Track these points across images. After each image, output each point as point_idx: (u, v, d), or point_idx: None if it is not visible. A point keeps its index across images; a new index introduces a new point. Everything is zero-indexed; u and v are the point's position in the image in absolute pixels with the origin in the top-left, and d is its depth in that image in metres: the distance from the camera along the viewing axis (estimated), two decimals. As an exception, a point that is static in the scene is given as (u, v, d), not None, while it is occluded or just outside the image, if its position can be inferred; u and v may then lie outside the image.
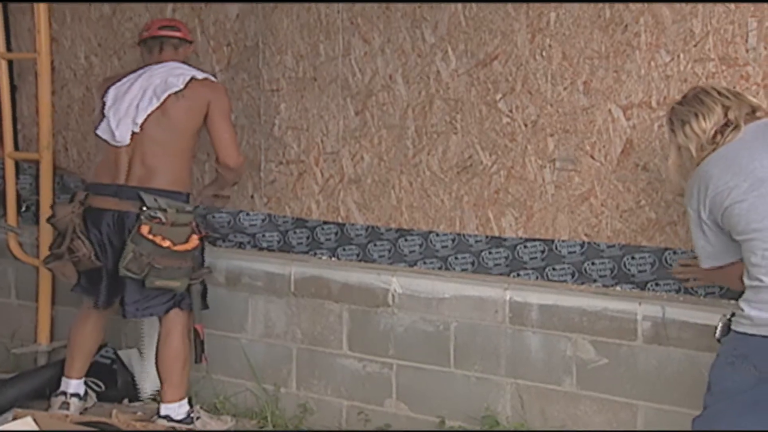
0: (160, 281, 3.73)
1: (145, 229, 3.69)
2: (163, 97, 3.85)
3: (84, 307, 4.07)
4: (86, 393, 4.14)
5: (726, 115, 2.80)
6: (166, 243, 3.71)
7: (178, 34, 4.04)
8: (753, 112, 2.83)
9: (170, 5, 4.38)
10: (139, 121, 3.85)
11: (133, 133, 3.85)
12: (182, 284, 3.80)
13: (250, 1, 4.17)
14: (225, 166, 3.96)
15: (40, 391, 4.21)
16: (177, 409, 3.89)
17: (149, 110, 3.85)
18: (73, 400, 4.04)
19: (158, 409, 3.92)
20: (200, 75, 3.95)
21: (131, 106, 3.88)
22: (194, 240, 3.82)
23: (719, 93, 2.86)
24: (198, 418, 3.96)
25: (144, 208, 3.73)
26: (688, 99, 2.92)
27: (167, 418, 3.87)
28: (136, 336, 4.41)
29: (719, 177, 2.71)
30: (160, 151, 3.86)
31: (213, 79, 4.05)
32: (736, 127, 2.77)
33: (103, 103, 3.95)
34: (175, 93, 3.86)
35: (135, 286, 3.78)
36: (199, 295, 3.94)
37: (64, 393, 4.04)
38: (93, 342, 4.10)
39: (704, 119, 2.82)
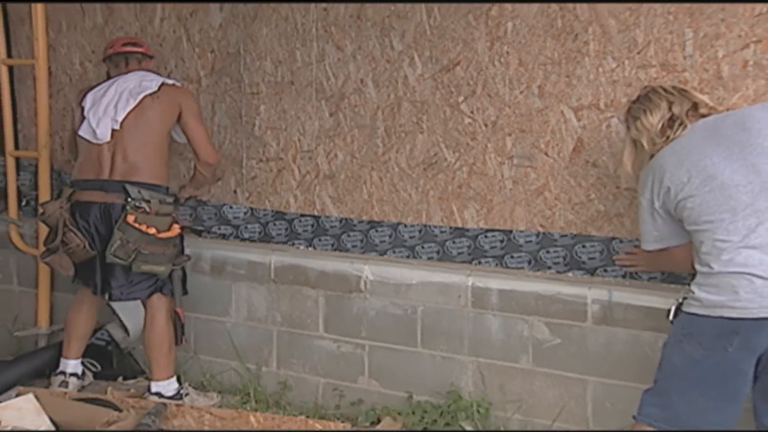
0: (147, 266, 3.74)
1: (131, 218, 3.70)
2: (139, 98, 3.87)
3: (79, 294, 4.06)
4: (83, 372, 4.12)
5: (670, 109, 2.83)
6: (152, 230, 3.72)
7: (140, 49, 4.08)
8: (695, 108, 2.84)
9: (158, 16, 4.35)
10: (119, 118, 3.85)
11: (113, 131, 3.84)
12: (166, 269, 3.80)
13: (230, 1, 4.12)
14: (205, 162, 3.99)
15: (41, 370, 4.18)
16: (167, 387, 3.88)
17: (128, 109, 3.86)
18: (72, 379, 4.02)
19: (149, 387, 3.91)
20: (170, 81, 3.99)
21: (109, 106, 3.88)
22: (176, 228, 3.83)
23: (665, 90, 2.91)
24: (187, 394, 3.95)
25: (129, 199, 3.73)
26: (640, 97, 2.97)
27: (158, 394, 3.86)
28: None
29: (673, 172, 2.73)
30: (139, 147, 3.85)
31: (179, 85, 4.08)
32: (682, 122, 2.79)
33: (82, 108, 3.94)
34: (150, 94, 3.89)
35: (121, 271, 3.79)
36: (180, 281, 3.94)
37: (63, 372, 4.02)
38: (88, 325, 4.09)
39: (651, 114, 2.86)
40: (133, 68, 4.02)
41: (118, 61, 4.05)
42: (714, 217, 2.61)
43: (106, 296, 3.90)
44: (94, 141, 3.86)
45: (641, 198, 2.88)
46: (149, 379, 3.97)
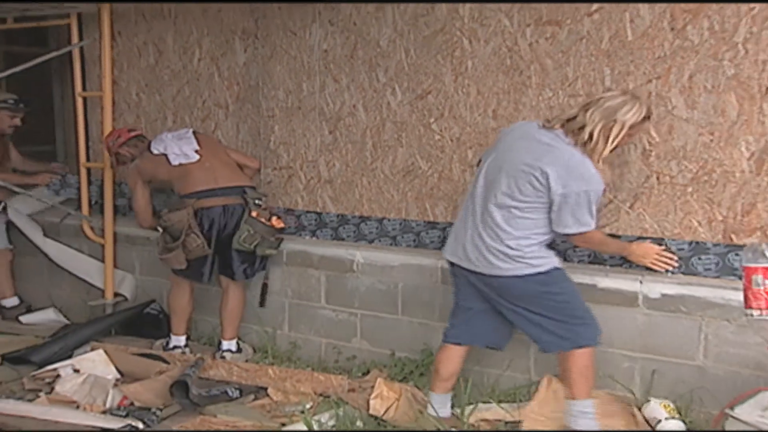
0: (269, 250, 3.79)
1: (255, 214, 3.73)
2: (190, 133, 3.93)
3: (182, 285, 3.97)
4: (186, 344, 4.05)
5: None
6: (267, 221, 3.77)
7: (139, 132, 4.13)
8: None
9: (197, 57, 4.35)
10: (193, 140, 3.86)
11: (197, 151, 3.84)
12: (276, 252, 3.86)
13: (247, 1, 4.09)
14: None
15: (107, 331, 4.22)
16: (234, 344, 3.94)
17: (192, 139, 3.88)
18: (186, 350, 3.98)
19: (219, 344, 3.94)
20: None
21: (174, 138, 3.90)
22: (279, 221, 3.84)
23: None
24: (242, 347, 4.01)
25: (251, 199, 3.76)
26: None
27: (229, 351, 3.89)
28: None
29: (501, 140, 2.91)
30: (223, 161, 3.90)
31: None
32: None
33: (151, 152, 3.93)
34: (193, 132, 3.96)
35: (241, 257, 3.81)
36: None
37: (179, 346, 3.99)
38: (191, 307, 4.03)
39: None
40: (146, 143, 4.01)
41: (136, 142, 4.05)
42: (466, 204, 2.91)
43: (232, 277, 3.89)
44: (187, 162, 3.82)
45: None
46: (219, 341, 3.98)
